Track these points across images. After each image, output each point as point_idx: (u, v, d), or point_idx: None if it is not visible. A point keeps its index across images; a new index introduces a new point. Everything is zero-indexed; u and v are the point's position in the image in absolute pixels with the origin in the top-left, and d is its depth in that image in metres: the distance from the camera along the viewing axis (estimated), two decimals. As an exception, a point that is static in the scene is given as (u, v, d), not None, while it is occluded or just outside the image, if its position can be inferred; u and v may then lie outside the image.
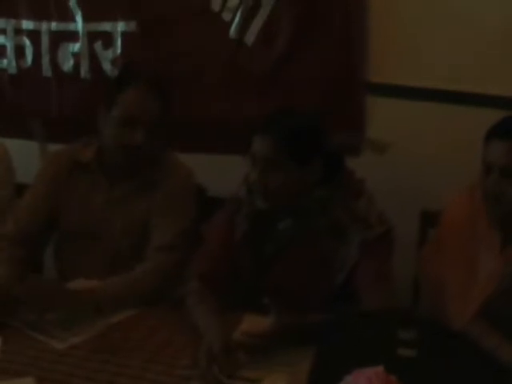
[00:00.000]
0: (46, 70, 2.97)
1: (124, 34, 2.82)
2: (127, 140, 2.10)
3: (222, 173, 2.46)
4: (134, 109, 2.11)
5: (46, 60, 2.96)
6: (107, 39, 2.84)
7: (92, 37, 2.86)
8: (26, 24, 2.95)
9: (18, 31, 2.98)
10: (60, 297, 1.93)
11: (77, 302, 1.94)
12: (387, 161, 2.63)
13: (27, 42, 2.97)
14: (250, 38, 2.68)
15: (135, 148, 2.10)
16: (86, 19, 2.86)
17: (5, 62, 3.03)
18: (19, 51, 2.99)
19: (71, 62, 2.93)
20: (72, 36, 2.89)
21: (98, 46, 2.87)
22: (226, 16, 2.68)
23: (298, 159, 1.91)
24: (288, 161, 1.90)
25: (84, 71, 2.91)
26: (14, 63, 3.01)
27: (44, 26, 2.93)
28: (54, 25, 2.92)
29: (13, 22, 2.97)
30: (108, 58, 2.87)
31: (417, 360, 1.66)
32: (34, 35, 2.95)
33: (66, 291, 1.98)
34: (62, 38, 2.92)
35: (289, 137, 1.90)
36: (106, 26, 2.84)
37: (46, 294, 1.91)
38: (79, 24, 2.87)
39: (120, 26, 2.81)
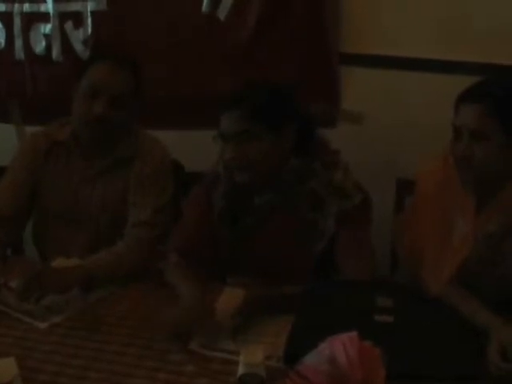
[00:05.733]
0: (19, 52, 2.95)
1: (94, 14, 2.81)
2: (89, 111, 2.11)
3: (198, 148, 2.46)
4: (98, 81, 2.13)
5: (18, 43, 2.94)
6: (77, 19, 2.84)
7: (63, 17, 2.85)
8: (-2, 6, 2.94)
9: (-10, 14, 2.96)
10: (51, 278, 1.93)
11: (68, 281, 1.95)
12: (362, 131, 2.65)
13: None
14: (223, 12, 2.67)
15: (96, 119, 2.11)
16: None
17: (-23, 45, 3.00)
18: (-9, 34, 2.98)
19: (43, 43, 2.91)
20: (43, 17, 2.88)
21: (68, 26, 2.86)
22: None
23: (269, 125, 1.89)
24: (259, 129, 1.88)
25: (56, 53, 2.90)
26: (-14, 47, 2.99)
27: (16, 7, 2.92)
28: (26, 6, 2.90)
29: (-16, 5, 2.95)
30: (79, 38, 2.86)
31: (393, 326, 1.69)
32: (6, 17, 2.93)
33: (56, 271, 2.00)
34: (33, 19, 2.90)
35: (256, 105, 1.88)
36: (76, 6, 2.83)
37: (38, 278, 1.90)
38: (50, 5, 2.86)
39: (90, 5, 2.81)
